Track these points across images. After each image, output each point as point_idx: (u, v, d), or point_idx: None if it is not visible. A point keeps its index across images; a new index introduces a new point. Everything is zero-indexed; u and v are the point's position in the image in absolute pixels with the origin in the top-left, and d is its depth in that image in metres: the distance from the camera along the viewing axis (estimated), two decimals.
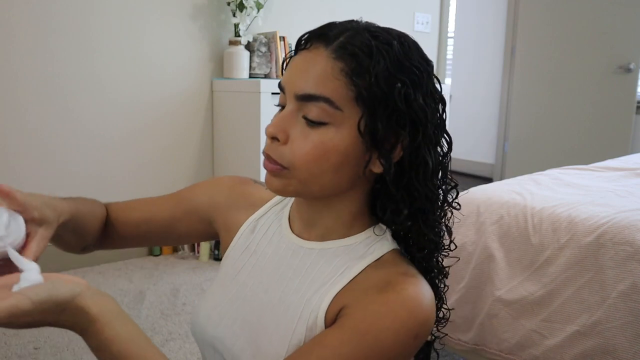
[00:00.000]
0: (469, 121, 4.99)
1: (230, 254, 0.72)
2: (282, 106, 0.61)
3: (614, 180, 1.63)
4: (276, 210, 0.73)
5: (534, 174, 1.71)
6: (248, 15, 2.49)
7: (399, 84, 0.56)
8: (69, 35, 2.18)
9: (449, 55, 4.83)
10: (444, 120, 0.62)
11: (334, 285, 0.61)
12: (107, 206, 0.77)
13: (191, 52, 2.50)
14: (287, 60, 0.63)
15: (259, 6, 2.49)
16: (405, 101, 0.57)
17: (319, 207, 0.65)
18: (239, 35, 2.50)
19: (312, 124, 0.57)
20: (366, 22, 0.62)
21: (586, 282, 1.13)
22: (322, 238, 0.66)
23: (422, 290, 0.58)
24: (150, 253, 2.50)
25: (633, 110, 3.68)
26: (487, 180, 4.61)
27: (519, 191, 1.43)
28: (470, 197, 1.43)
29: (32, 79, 2.13)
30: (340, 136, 0.57)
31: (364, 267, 0.61)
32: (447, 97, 3.10)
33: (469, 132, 5.01)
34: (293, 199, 0.71)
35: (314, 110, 0.57)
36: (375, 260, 0.62)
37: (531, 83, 4.28)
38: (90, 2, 2.20)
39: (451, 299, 1.35)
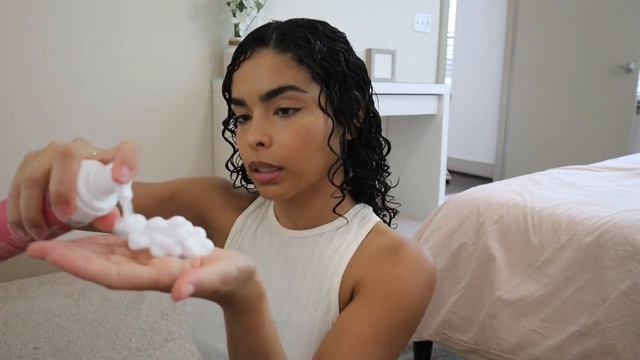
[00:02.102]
0: (469, 121, 4.99)
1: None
2: (243, 118, 0.63)
3: (614, 180, 1.63)
4: (260, 211, 0.75)
5: (534, 174, 1.71)
6: (248, 15, 2.49)
7: (340, 54, 0.63)
8: (63, 36, 2.18)
9: (449, 55, 4.84)
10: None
11: (339, 266, 0.63)
12: None
13: (191, 52, 2.51)
14: (230, 76, 0.65)
15: (259, 6, 2.50)
16: (348, 66, 0.64)
17: (305, 198, 0.66)
18: (239, 35, 2.50)
19: (287, 112, 0.60)
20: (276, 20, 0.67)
21: (586, 282, 1.13)
22: (313, 225, 0.68)
23: (422, 248, 0.63)
24: None
25: (633, 110, 3.68)
26: (487, 180, 4.61)
27: (519, 191, 1.43)
28: (470, 197, 1.43)
29: (24, 79, 2.12)
30: (315, 116, 0.61)
31: (360, 242, 0.65)
32: (447, 97, 3.11)
33: (469, 132, 5.02)
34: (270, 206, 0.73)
35: (284, 102, 0.60)
36: (368, 234, 0.66)
37: (531, 83, 4.29)
38: (90, 1, 2.20)
39: (451, 299, 1.36)
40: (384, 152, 0.71)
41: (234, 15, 2.48)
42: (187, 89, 2.52)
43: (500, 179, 4.46)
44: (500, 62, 4.59)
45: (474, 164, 5.04)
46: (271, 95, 0.60)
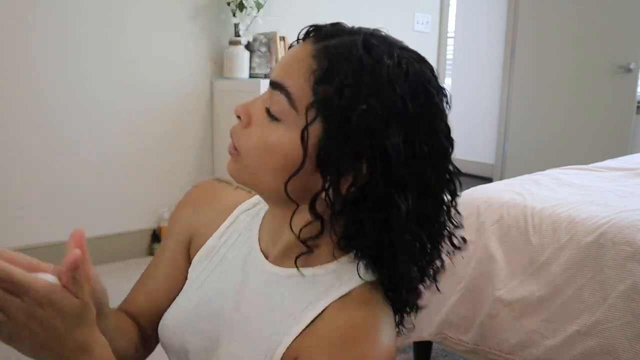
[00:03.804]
0: (469, 121, 4.99)
1: (198, 262, 0.68)
2: None
3: (614, 180, 1.63)
4: (248, 216, 0.67)
5: (534, 174, 1.71)
6: (248, 15, 2.49)
7: (364, 106, 0.49)
8: (63, 36, 2.17)
9: (449, 55, 4.84)
10: (447, 169, 0.58)
11: (293, 326, 0.56)
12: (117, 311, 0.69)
13: (192, 52, 2.51)
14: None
15: (259, 6, 2.49)
16: (366, 129, 0.49)
17: (278, 213, 0.60)
18: (239, 35, 2.50)
19: (270, 117, 0.54)
20: (376, 30, 0.55)
21: (586, 282, 1.13)
22: (284, 256, 0.60)
23: (379, 344, 0.52)
24: (150, 253, 2.51)
25: (633, 110, 3.68)
26: (487, 180, 4.60)
27: (519, 191, 1.43)
28: (470, 197, 1.43)
29: (23, 79, 2.12)
30: (287, 138, 0.52)
31: (326, 305, 0.55)
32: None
33: (469, 132, 5.01)
34: (266, 206, 0.65)
35: (275, 103, 0.53)
36: (341, 297, 0.55)
37: (531, 83, 4.28)
38: (90, 1, 2.20)
39: (451, 299, 1.35)
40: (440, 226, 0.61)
41: (234, 15, 2.48)
42: (187, 89, 2.52)
43: (500, 179, 4.46)
44: (500, 62, 4.59)
45: (474, 164, 5.03)
46: (274, 86, 0.54)
